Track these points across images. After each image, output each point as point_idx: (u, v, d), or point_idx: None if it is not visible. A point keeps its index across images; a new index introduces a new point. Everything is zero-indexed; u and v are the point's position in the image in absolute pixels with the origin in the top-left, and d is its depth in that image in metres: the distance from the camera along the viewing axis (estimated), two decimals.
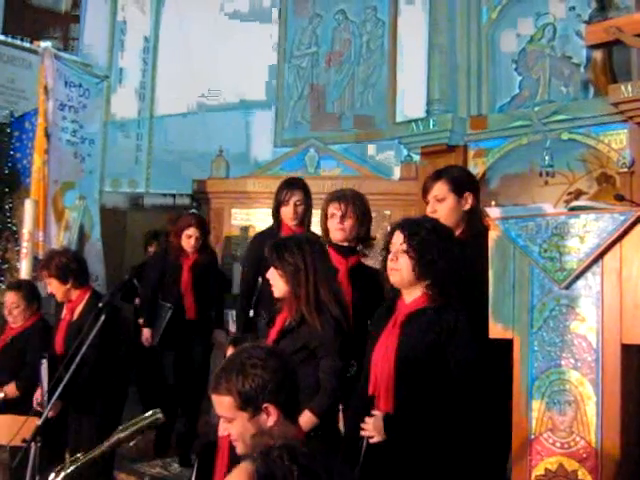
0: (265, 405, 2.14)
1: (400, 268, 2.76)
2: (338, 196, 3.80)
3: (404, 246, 2.76)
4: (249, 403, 2.13)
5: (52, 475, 1.88)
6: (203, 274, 5.70)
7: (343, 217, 3.70)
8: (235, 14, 9.46)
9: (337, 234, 3.73)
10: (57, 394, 3.19)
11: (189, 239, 5.61)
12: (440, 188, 3.39)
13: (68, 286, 4.39)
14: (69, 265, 4.38)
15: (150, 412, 2.01)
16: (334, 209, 3.74)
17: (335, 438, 3.05)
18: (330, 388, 3.00)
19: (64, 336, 4.39)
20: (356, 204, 3.74)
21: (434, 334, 2.69)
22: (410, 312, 2.77)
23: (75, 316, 4.41)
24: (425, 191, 3.49)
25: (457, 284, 2.74)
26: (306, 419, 2.85)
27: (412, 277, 2.75)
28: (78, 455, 1.94)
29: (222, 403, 2.14)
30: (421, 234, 2.75)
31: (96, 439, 3.74)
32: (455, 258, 2.77)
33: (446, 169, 3.58)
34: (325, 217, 3.81)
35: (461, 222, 3.36)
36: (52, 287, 4.44)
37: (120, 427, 1.96)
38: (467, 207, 3.37)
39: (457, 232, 3.28)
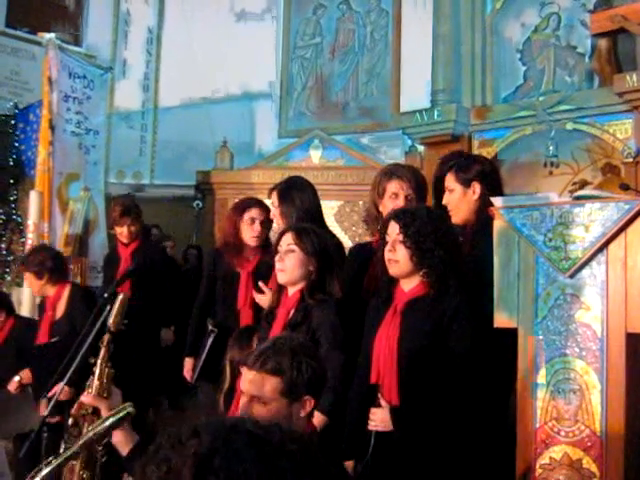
0: (306, 397, 2.08)
1: (398, 259, 2.76)
2: (402, 173, 3.40)
3: (400, 236, 2.76)
4: (294, 391, 2.05)
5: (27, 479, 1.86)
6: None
7: (407, 197, 3.33)
8: (239, 4, 9.45)
9: None
10: (66, 379, 3.22)
11: (252, 225, 4.10)
12: (448, 179, 3.32)
13: (43, 282, 4.49)
14: (45, 262, 4.48)
15: (120, 406, 2.00)
16: (397, 187, 3.36)
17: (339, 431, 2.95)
18: (336, 385, 2.80)
19: (48, 333, 4.43)
20: (420, 183, 3.41)
21: (435, 321, 2.69)
22: (409, 300, 2.77)
23: (59, 313, 4.47)
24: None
25: (456, 270, 2.74)
26: (318, 420, 2.65)
27: (411, 267, 2.75)
28: (50, 458, 1.92)
29: (267, 383, 2.05)
30: (416, 223, 2.74)
31: None
32: (452, 244, 2.79)
33: (452, 157, 3.49)
34: (378, 196, 3.40)
35: (473, 212, 3.24)
36: (28, 282, 4.64)
37: (90, 427, 1.96)
38: (475, 197, 3.23)
39: (470, 222, 3.24)
